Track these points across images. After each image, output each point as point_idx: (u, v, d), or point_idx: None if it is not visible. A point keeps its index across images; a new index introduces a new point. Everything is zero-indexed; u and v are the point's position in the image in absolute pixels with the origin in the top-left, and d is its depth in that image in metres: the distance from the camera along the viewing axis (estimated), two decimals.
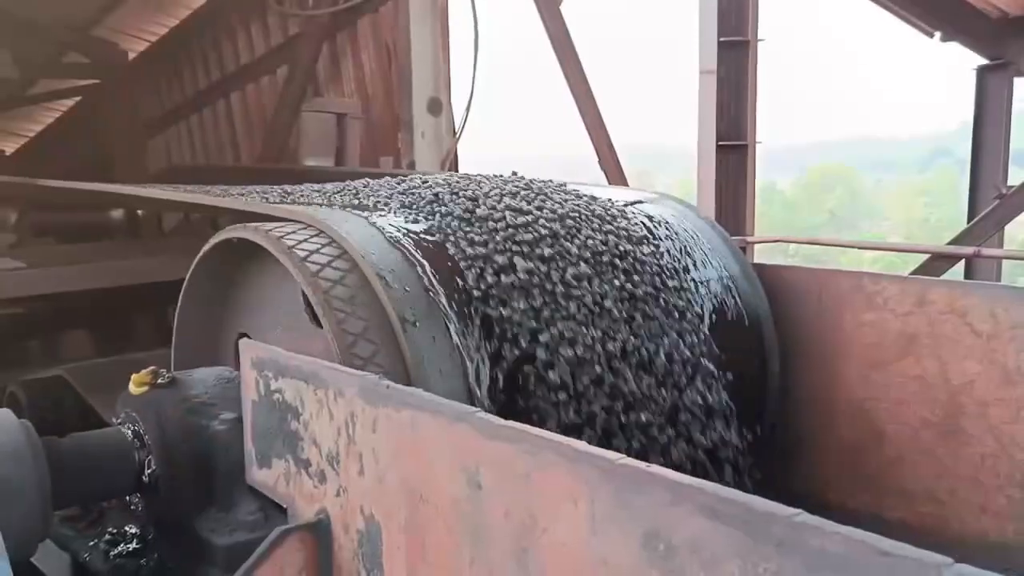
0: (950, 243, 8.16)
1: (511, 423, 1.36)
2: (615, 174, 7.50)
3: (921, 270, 7.55)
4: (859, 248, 8.69)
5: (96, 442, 2.11)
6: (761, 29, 7.81)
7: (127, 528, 2.21)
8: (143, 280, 4.03)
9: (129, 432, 2.11)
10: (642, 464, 1.19)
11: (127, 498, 2.22)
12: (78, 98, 11.86)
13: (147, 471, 2.08)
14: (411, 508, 1.55)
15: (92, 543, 2.20)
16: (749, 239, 8.04)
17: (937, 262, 7.54)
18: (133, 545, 2.16)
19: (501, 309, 2.08)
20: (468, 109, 6.21)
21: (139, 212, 5.56)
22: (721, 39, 7.66)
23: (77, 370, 3.78)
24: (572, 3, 7.37)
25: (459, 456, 1.43)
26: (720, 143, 7.79)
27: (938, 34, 9.03)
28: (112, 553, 2.15)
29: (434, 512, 1.50)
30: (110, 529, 2.22)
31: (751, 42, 7.78)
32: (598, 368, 2.15)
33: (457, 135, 6.25)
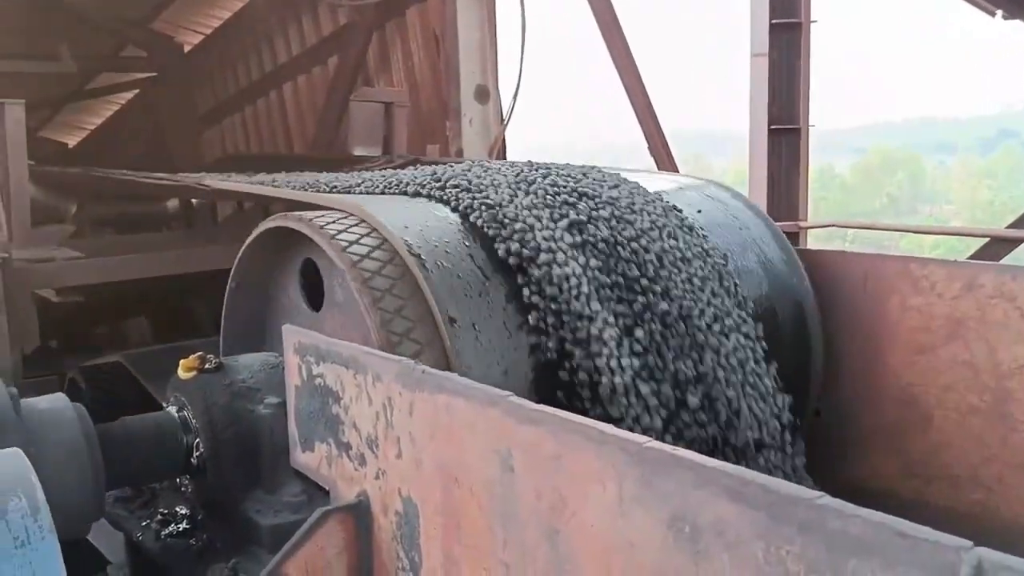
0: (1010, 226, 7.95)
1: (541, 407, 1.38)
2: (665, 160, 7.44)
3: (979, 254, 7.36)
4: (913, 232, 8.51)
5: (146, 426, 2.17)
6: (814, 10, 7.67)
7: (178, 509, 2.27)
8: (196, 269, 4.11)
9: (178, 416, 2.17)
10: (668, 447, 1.20)
11: (177, 480, 2.29)
12: (136, 91, 12.11)
13: (195, 454, 2.14)
14: (446, 490, 1.57)
15: (144, 523, 2.28)
16: (802, 224, 7.92)
17: (996, 246, 7.34)
18: (183, 525, 2.23)
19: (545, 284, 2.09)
20: (516, 96, 6.20)
21: (193, 202, 5.67)
22: (773, 21, 7.55)
23: (134, 356, 3.89)
24: None
25: (491, 439, 1.45)
26: (772, 127, 7.69)
27: (1000, 12, 8.78)
28: (163, 533, 2.22)
29: (468, 495, 1.52)
30: (161, 509, 2.29)
31: (803, 24, 7.65)
32: (640, 346, 2.15)
33: (505, 122, 6.26)
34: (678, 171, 7.21)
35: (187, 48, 11.24)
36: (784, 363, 2.45)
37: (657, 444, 1.21)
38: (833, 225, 8.04)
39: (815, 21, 7.74)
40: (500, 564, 1.47)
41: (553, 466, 1.35)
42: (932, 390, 2.51)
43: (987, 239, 7.61)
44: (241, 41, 10.62)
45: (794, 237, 7.57)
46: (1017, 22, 8.69)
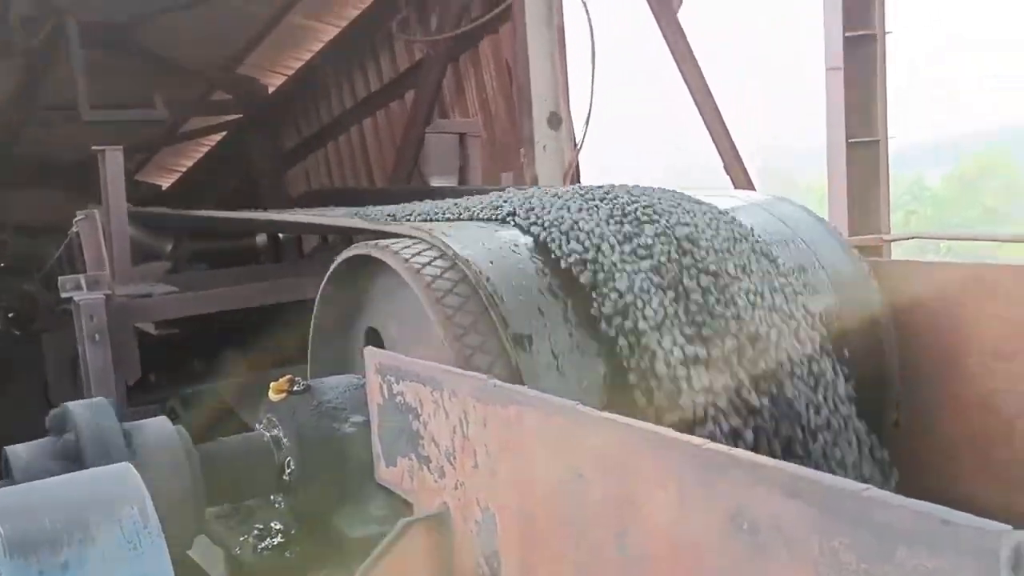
0: None
1: (605, 414, 1.45)
2: (741, 178, 7.42)
3: None
4: (1004, 241, 8.28)
5: (241, 446, 2.31)
6: (889, 21, 7.58)
7: (272, 524, 2.40)
8: (284, 299, 4.29)
9: (270, 436, 2.31)
10: (723, 447, 1.26)
11: (271, 496, 2.42)
12: (224, 132, 12.59)
13: (287, 471, 2.26)
14: (521, 498, 1.66)
15: (242, 538, 2.41)
16: (885, 237, 7.80)
17: None
18: (278, 539, 2.35)
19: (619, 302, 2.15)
20: (588, 121, 6.30)
21: (280, 237, 5.89)
22: (847, 34, 7.50)
23: (227, 385, 4.08)
24: (690, 7, 7.34)
25: (560, 447, 1.53)
26: (850, 140, 7.62)
27: None
28: (260, 547, 2.35)
29: (540, 500, 1.60)
30: (257, 525, 2.42)
31: (878, 35, 7.58)
32: (709, 364, 2.20)
33: (578, 147, 6.36)
34: (754, 188, 7.18)
35: (271, 89, 11.65)
36: (860, 376, 2.47)
37: (714, 445, 1.27)
38: (916, 237, 7.89)
39: (890, 32, 7.65)
40: (573, 565, 1.54)
41: (619, 470, 1.42)
42: (1014, 398, 2.48)
43: None
44: (322, 80, 10.97)
45: (876, 251, 7.45)
46: None
